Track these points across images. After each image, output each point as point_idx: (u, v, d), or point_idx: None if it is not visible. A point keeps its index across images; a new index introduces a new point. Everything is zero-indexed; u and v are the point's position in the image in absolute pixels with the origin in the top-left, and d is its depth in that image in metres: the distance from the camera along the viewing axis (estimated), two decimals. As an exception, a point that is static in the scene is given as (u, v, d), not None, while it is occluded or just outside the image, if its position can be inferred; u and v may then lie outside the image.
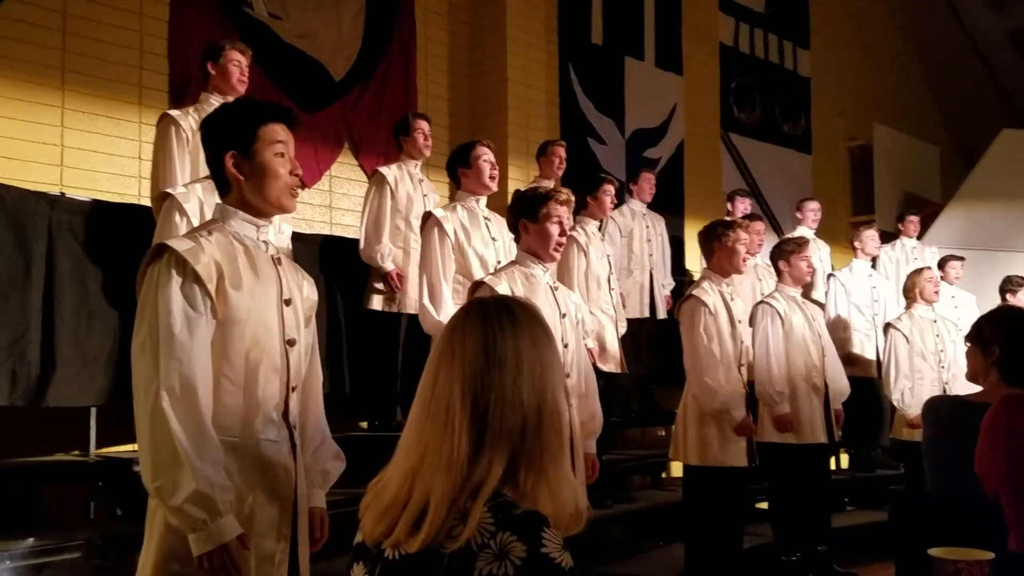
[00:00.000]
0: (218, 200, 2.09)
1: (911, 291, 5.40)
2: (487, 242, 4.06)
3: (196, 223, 3.08)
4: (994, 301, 6.11)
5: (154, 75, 5.01)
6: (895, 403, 5.24)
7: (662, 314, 5.95)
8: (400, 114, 5.10)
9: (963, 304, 6.58)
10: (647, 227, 6.07)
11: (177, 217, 3.25)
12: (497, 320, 1.27)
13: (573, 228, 4.77)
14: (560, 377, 1.30)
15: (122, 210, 4.12)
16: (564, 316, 3.08)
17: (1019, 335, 2.51)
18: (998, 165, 8.41)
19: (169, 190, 3.40)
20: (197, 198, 3.29)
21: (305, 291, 2.16)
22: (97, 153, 4.74)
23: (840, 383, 4.81)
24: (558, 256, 3.16)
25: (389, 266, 4.51)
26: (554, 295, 3.10)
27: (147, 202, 4.04)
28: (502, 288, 2.95)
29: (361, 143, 5.97)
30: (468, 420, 1.21)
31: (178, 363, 1.84)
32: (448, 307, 3.80)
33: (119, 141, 4.82)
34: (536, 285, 3.07)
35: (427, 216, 4.09)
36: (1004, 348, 2.50)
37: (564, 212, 3.09)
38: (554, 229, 3.05)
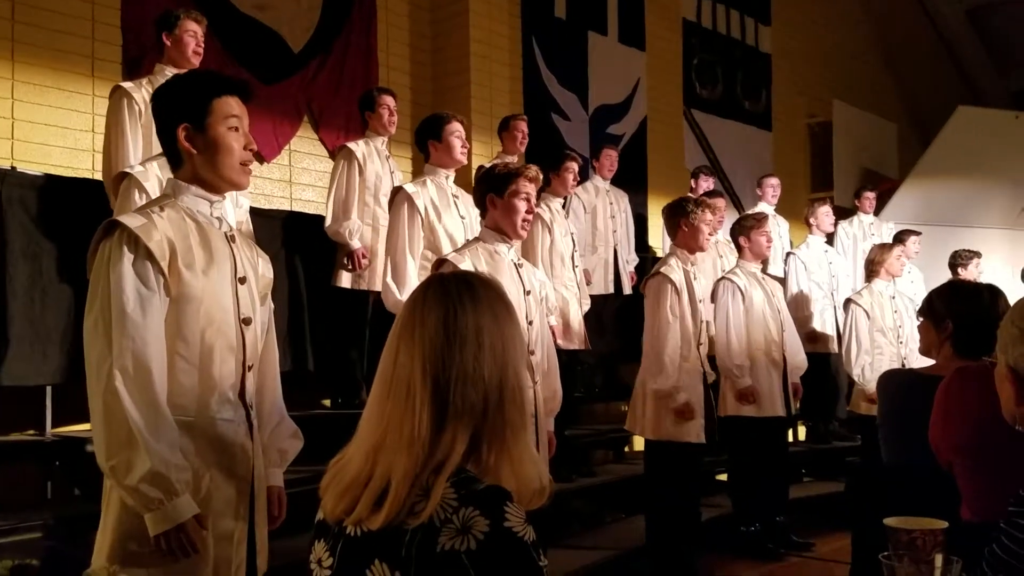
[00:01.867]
0: (171, 175, 2.05)
1: (877, 266, 5.44)
2: (457, 220, 4.03)
3: None
4: (947, 276, 6.23)
5: (107, 46, 4.88)
6: (855, 378, 5.32)
7: (627, 290, 5.98)
8: (361, 88, 5.04)
9: (917, 279, 6.70)
10: (611, 203, 6.08)
11: (136, 195, 3.18)
12: (457, 296, 1.26)
13: (537, 205, 4.76)
14: (522, 353, 1.30)
15: (75, 184, 4.03)
16: (528, 293, 3.07)
17: (971, 310, 2.55)
18: (954, 142, 8.54)
19: (127, 169, 3.32)
20: (155, 176, 3.21)
21: (260, 268, 2.12)
22: (49, 126, 4.62)
23: (798, 357, 4.89)
24: (525, 234, 3.14)
25: (356, 244, 4.46)
26: (518, 272, 3.09)
27: (101, 176, 3.96)
28: (465, 265, 2.93)
29: (321, 117, 5.89)
30: (429, 397, 1.20)
31: (131, 342, 1.80)
32: (412, 285, 3.78)
33: (72, 114, 4.70)
34: (500, 262, 3.05)
35: (397, 190, 4.04)
36: (956, 323, 2.55)
37: (532, 189, 3.08)
38: (521, 205, 3.03)
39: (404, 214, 3.90)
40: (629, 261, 6.18)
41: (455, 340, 1.22)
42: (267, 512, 2.09)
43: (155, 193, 3.14)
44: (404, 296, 3.74)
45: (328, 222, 4.51)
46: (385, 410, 1.23)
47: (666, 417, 4.11)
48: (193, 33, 3.82)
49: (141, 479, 1.75)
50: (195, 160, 1.98)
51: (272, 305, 2.20)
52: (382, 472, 1.19)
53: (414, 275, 3.84)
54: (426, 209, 3.92)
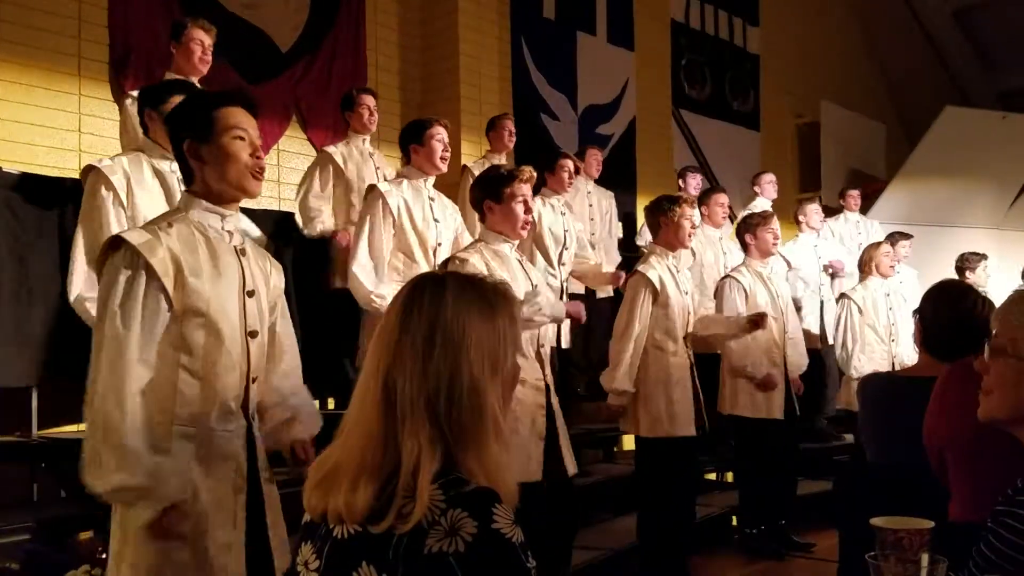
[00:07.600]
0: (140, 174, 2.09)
1: (867, 264, 5.46)
2: (429, 222, 4.00)
3: (123, 197, 3.01)
4: (936, 275, 6.23)
5: (94, 45, 4.86)
6: (852, 373, 5.29)
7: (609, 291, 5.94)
8: (350, 87, 5.02)
9: (907, 280, 6.72)
10: (590, 206, 6.04)
11: (103, 190, 3.07)
12: (420, 295, 1.25)
13: (534, 198, 4.74)
14: (491, 351, 1.24)
15: (62, 185, 3.99)
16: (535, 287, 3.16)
17: (937, 310, 2.56)
18: (941, 142, 8.57)
19: (94, 163, 3.25)
20: (123, 169, 3.11)
21: (272, 280, 2.18)
22: (35, 126, 4.59)
23: (800, 353, 4.88)
24: (525, 234, 3.21)
25: (330, 227, 4.50)
26: (523, 268, 3.19)
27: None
28: (473, 261, 3.00)
29: (309, 116, 5.87)
30: (379, 395, 1.21)
31: (114, 356, 1.87)
32: (368, 275, 3.76)
33: (58, 113, 4.68)
34: (507, 261, 3.13)
35: (371, 188, 4.03)
36: (924, 322, 2.57)
37: (528, 190, 3.13)
38: (519, 208, 3.09)
39: (377, 211, 3.87)
40: (611, 262, 6.11)
41: (406, 338, 1.22)
42: (296, 458, 2.18)
43: (122, 188, 3.07)
44: (367, 284, 3.72)
45: (299, 222, 4.57)
46: (352, 408, 1.25)
47: (660, 415, 4.09)
48: (199, 41, 3.87)
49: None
50: (204, 172, 2.02)
51: (284, 303, 2.27)
52: (348, 468, 1.20)
53: (368, 265, 3.80)
54: (398, 209, 3.89)
